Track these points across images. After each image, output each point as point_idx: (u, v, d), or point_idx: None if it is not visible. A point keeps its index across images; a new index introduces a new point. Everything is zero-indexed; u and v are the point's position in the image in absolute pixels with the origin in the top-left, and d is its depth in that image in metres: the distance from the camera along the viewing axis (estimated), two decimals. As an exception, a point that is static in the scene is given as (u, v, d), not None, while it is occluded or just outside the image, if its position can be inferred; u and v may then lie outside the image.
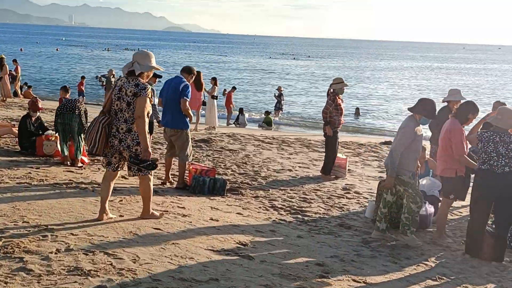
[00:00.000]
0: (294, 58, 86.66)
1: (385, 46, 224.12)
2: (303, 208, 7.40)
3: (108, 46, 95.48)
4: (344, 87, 9.60)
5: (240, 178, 9.05)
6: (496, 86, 47.86)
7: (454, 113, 6.52)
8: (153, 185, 7.72)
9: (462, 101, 7.26)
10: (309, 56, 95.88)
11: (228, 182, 8.16)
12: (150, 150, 5.15)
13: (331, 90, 9.55)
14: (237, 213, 6.74)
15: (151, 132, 9.43)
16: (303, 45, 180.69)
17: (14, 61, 23.29)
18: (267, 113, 22.63)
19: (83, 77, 26.42)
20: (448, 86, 41.32)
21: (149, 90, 5.00)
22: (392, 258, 5.64)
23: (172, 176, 8.26)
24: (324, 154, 10.01)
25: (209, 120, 17.33)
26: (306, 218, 6.92)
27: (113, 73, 21.33)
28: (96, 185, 7.21)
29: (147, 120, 5.07)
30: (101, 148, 5.04)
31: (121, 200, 6.49)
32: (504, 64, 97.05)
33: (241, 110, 22.67)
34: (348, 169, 10.22)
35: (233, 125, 21.79)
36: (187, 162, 7.76)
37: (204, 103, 16.13)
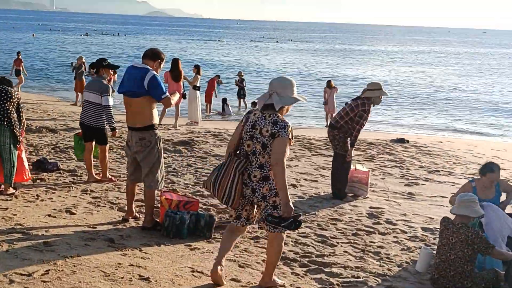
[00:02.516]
0: (277, 42, 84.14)
1: (369, 31, 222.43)
2: (326, 259, 5.13)
3: (87, 31, 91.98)
4: (382, 96, 7.42)
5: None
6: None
7: None
8: (108, 223, 5.49)
9: None
10: (291, 40, 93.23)
11: (216, 214, 5.89)
12: (291, 204, 3.93)
13: (363, 96, 7.32)
14: (232, 279, 4.44)
15: (104, 142, 7.11)
16: (285, 30, 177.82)
17: None
18: (254, 104, 20.29)
19: (18, 53, 22.42)
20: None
21: (291, 129, 3.92)
22: None
23: (138, 208, 5.96)
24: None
25: (191, 114, 14.96)
26: (334, 281, 4.63)
27: (83, 60, 18.76)
28: (23, 231, 4.90)
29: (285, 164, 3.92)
30: (237, 200, 4.01)
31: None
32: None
33: (224, 100, 20.37)
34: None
35: (218, 117, 19.49)
36: (157, 191, 5.47)
37: (184, 96, 13.75)
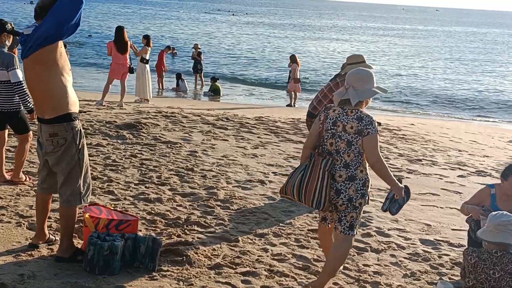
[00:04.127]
0: (233, 14, 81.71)
1: (327, 6, 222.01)
2: (312, 296, 3.83)
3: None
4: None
5: (184, 210, 5.34)
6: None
7: None
8: (7, 252, 3.99)
9: None
10: (247, 13, 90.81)
11: (163, 234, 4.48)
12: (400, 184, 3.82)
13: (343, 73, 5.88)
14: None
15: (24, 130, 5.55)
16: (241, 3, 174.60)
17: None
18: (214, 79, 18.75)
19: None
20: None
21: (376, 124, 3.66)
22: None
23: (53, 231, 4.45)
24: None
25: (139, 90, 13.32)
26: None
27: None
28: None
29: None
30: (328, 202, 3.67)
31: None
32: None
33: (179, 75, 18.72)
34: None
35: (172, 93, 17.88)
36: (78, 206, 3.97)
37: (131, 70, 12.09)
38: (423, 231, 5.37)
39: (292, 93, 16.47)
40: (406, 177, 7.46)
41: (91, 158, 6.92)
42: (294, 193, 3.69)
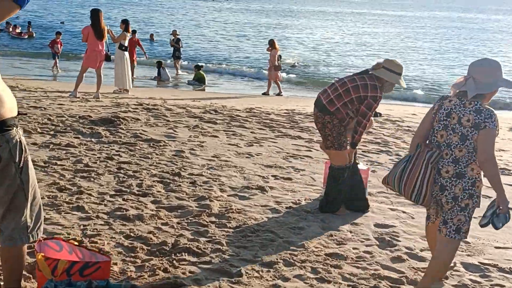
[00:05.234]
0: (213, 0, 79.89)
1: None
2: None
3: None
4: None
5: (171, 231, 4.32)
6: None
7: None
8: None
9: None
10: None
11: (141, 275, 3.48)
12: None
13: (375, 74, 4.85)
14: None
15: None
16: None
17: None
18: (198, 67, 17.64)
19: None
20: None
21: (497, 119, 3.31)
22: None
23: None
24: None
25: (118, 80, 12.17)
26: None
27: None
28: None
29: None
30: (429, 196, 3.45)
31: None
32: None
33: (160, 63, 17.58)
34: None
35: (154, 82, 16.76)
36: (26, 245, 2.91)
37: (108, 58, 10.95)
38: (462, 251, 4.43)
39: (273, 82, 15.36)
40: (425, 179, 6.52)
41: (59, 162, 5.86)
42: (395, 184, 3.52)
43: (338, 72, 21.70)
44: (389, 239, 4.52)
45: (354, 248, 4.27)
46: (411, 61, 25.77)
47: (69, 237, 3.94)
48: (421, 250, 4.36)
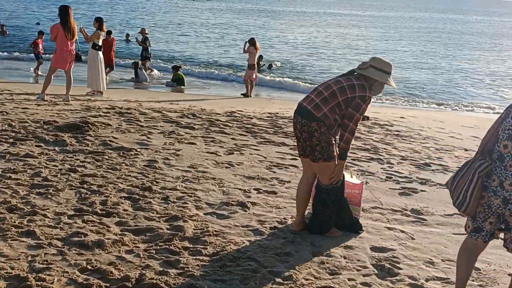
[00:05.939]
0: (193, 0, 78.76)
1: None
2: None
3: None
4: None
5: (136, 261, 3.68)
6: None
7: None
8: None
9: None
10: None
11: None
12: None
13: (364, 74, 4.27)
14: None
15: None
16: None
17: None
18: (176, 68, 16.94)
19: None
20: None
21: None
22: None
23: None
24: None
25: (92, 81, 11.45)
26: None
27: None
28: None
29: None
30: (473, 206, 3.29)
31: None
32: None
33: (136, 64, 16.83)
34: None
35: (130, 84, 16.04)
36: None
37: (78, 58, 10.23)
38: (472, 280, 3.87)
39: (249, 80, 14.60)
40: (421, 191, 5.98)
41: (14, 175, 5.18)
42: (449, 187, 3.43)
43: (319, 73, 21.23)
44: (389, 266, 3.95)
45: (350, 279, 3.68)
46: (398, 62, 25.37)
47: (11, 272, 3.29)
48: (427, 280, 3.80)
